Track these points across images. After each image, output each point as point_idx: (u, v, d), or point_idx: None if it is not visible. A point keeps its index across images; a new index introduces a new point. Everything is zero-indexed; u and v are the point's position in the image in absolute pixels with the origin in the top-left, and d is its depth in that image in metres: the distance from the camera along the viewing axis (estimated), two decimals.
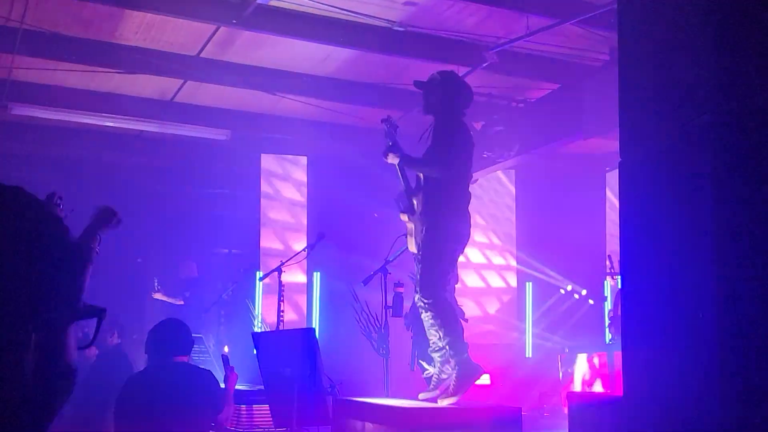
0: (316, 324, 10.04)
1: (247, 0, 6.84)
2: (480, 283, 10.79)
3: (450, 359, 5.24)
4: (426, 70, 6.12)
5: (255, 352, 6.18)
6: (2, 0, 6.85)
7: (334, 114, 9.60)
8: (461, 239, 5.37)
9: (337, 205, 10.03)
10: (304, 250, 7.70)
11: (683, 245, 2.41)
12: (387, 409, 5.01)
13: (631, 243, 2.73)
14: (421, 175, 5.49)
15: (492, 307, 10.81)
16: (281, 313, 7.53)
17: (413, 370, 5.98)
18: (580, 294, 10.36)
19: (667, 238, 2.50)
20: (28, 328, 0.94)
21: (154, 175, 10.28)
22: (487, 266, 10.90)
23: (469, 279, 10.55)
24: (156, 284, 9.59)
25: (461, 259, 5.58)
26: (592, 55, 7.78)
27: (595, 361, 8.32)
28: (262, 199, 10.54)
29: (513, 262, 10.96)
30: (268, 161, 10.64)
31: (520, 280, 10.89)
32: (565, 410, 5.82)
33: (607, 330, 9.44)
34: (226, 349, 9.24)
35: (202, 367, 5.19)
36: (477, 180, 9.61)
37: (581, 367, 8.50)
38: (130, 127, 9.70)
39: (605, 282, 9.94)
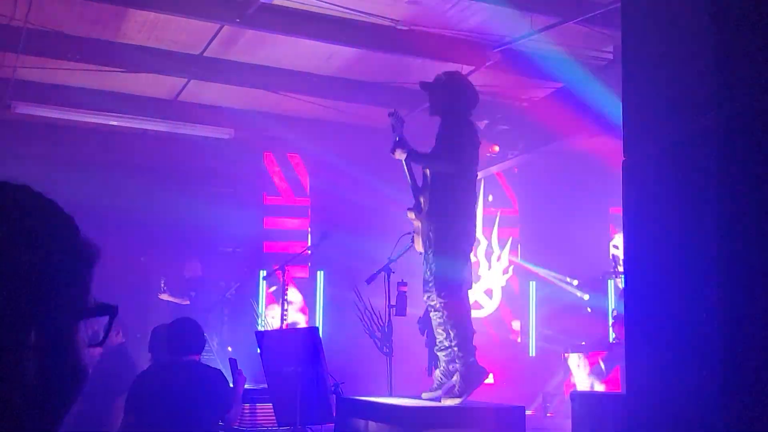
0: (319, 323, 10.05)
1: None
2: (483, 282, 10.78)
3: (456, 360, 5.23)
4: (430, 68, 6.12)
5: (258, 351, 6.19)
6: None
7: (338, 113, 9.60)
8: (469, 238, 5.36)
9: (340, 204, 10.03)
10: (307, 249, 7.70)
11: (686, 245, 2.40)
12: (390, 408, 5.01)
13: (634, 243, 2.72)
14: (428, 171, 5.47)
15: (495, 306, 10.80)
16: (284, 312, 7.54)
17: (431, 375, 5.97)
18: (582, 299, 10.32)
19: (671, 237, 2.49)
20: (27, 328, 0.93)
21: (157, 173, 10.28)
22: (490, 265, 10.89)
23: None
24: (162, 285, 9.59)
25: (472, 258, 5.56)
26: (596, 53, 7.77)
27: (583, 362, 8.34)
28: (265, 198, 10.54)
29: (516, 261, 10.94)
30: (271, 160, 10.65)
31: (523, 279, 10.88)
32: (569, 409, 5.82)
33: (610, 329, 9.43)
34: (229, 348, 9.25)
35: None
36: (481, 178, 9.61)
37: (581, 366, 8.50)
38: (134, 125, 9.71)
39: (609, 282, 9.92)
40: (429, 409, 4.94)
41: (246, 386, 6.65)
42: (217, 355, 8.98)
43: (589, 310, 10.17)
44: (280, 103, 9.43)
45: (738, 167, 2.25)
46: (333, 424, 5.56)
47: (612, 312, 9.76)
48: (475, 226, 5.40)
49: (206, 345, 5.36)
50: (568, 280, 10.29)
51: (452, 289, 5.19)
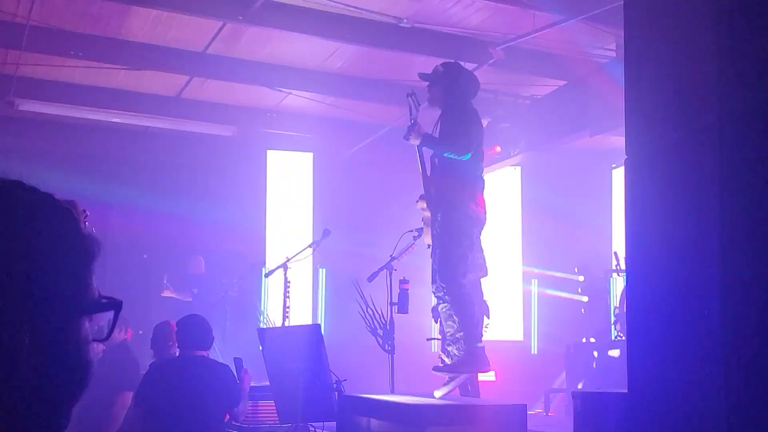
0: (321, 320, 10.04)
1: None
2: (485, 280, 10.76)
3: (461, 341, 5.15)
4: (433, 66, 6.11)
5: (261, 348, 6.19)
6: None
7: (341, 110, 9.60)
8: (476, 222, 5.26)
9: (342, 202, 10.02)
10: (309, 246, 7.70)
11: (688, 242, 2.40)
12: (392, 406, 5.00)
13: (636, 240, 2.72)
14: (437, 160, 5.40)
15: (497, 304, 10.79)
16: (286, 309, 7.53)
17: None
18: (582, 300, 10.29)
19: (673, 234, 2.49)
20: (22, 325, 0.92)
21: (160, 170, 10.29)
22: (492, 263, 10.86)
23: None
24: (165, 281, 9.59)
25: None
26: (598, 51, 7.76)
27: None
28: (267, 195, 10.54)
29: (518, 259, 10.93)
30: (274, 157, 10.65)
31: (526, 276, 10.87)
32: (571, 407, 5.81)
33: (612, 327, 9.41)
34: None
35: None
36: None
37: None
38: (137, 123, 9.72)
39: (611, 279, 9.90)
40: (431, 407, 4.94)
41: None
42: (219, 352, 8.98)
43: (582, 311, 10.14)
44: (283, 101, 9.43)
45: (741, 165, 2.24)
46: (335, 422, 5.56)
47: (614, 310, 9.73)
48: (483, 210, 5.30)
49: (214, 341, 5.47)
50: (576, 270, 10.24)
51: (455, 276, 5.14)
